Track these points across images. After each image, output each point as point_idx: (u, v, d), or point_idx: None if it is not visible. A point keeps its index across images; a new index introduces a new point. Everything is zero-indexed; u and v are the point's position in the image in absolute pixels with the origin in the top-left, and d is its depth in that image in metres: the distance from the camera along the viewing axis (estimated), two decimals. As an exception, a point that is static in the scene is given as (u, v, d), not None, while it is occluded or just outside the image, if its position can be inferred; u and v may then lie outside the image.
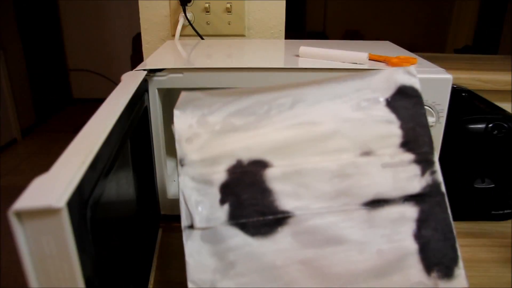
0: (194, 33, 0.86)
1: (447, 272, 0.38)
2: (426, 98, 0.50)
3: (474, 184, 0.59)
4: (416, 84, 0.43)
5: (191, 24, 0.85)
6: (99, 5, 3.43)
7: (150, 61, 0.56)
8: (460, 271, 0.38)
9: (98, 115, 0.35)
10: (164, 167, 0.57)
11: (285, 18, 0.88)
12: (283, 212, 0.39)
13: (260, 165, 0.41)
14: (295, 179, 0.40)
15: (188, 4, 0.84)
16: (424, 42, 3.52)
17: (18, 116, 2.85)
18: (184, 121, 0.42)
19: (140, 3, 0.86)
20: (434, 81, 0.49)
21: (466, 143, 0.57)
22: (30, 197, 0.23)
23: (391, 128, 0.41)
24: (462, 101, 0.65)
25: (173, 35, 0.86)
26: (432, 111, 0.50)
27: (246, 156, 0.41)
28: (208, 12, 0.85)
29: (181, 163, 0.41)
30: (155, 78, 0.52)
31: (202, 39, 0.86)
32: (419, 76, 0.48)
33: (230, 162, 0.41)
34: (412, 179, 0.40)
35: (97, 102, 0.37)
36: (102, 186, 0.31)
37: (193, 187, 0.40)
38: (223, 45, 0.72)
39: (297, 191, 0.40)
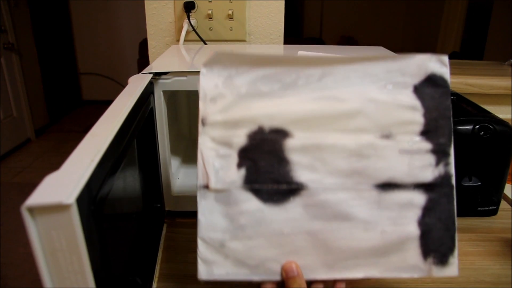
0: (198, 38, 0.85)
1: (442, 260, 0.38)
2: (417, 101, 0.49)
3: (462, 182, 0.59)
4: (446, 75, 0.40)
5: (194, 30, 0.84)
6: (108, 13, 3.43)
7: (156, 65, 0.56)
8: (454, 260, 0.38)
9: (106, 116, 0.35)
10: (168, 165, 0.57)
11: (284, 24, 0.88)
12: (297, 183, 0.38)
13: (281, 134, 0.39)
14: (313, 152, 0.39)
15: (192, 11, 0.84)
16: (415, 48, 3.52)
17: (32, 117, 2.85)
18: (210, 80, 0.40)
19: (146, 10, 0.86)
20: (424, 84, 0.49)
21: (454, 143, 0.57)
22: (41, 193, 0.23)
23: (415, 115, 0.39)
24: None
25: (178, 40, 0.86)
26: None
27: (268, 123, 0.39)
28: (211, 18, 0.85)
29: (202, 122, 0.39)
30: (161, 80, 0.52)
31: (205, 44, 0.86)
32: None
33: (251, 127, 0.39)
34: (426, 168, 0.39)
35: (105, 104, 0.37)
36: (110, 183, 0.31)
37: (212, 148, 0.39)
38: (225, 49, 0.72)
39: (313, 164, 0.38)
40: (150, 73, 0.51)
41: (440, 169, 0.39)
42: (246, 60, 0.40)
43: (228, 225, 0.38)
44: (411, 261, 0.38)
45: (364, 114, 0.39)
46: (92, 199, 0.26)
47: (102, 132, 0.31)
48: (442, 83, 0.40)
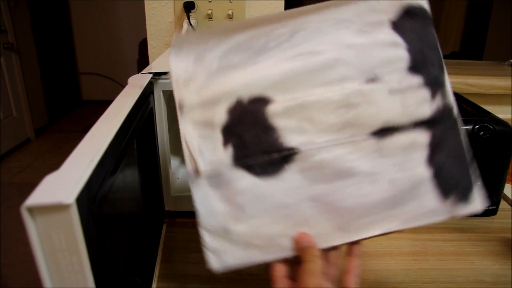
0: (197, 38, 0.85)
1: (464, 196, 0.35)
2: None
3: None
4: (425, 5, 0.37)
5: (194, 30, 0.84)
6: (108, 13, 3.43)
7: (156, 65, 0.56)
8: (477, 195, 0.35)
9: (106, 116, 0.35)
10: (168, 165, 0.57)
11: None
12: (289, 149, 0.36)
13: (260, 102, 0.36)
14: (298, 113, 0.36)
15: (192, 11, 0.84)
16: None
17: (32, 117, 2.84)
18: (180, 63, 0.38)
19: (146, 10, 0.86)
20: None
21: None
22: (41, 193, 0.23)
23: (398, 52, 0.37)
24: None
25: (178, 41, 0.86)
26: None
27: (246, 94, 0.36)
28: (211, 18, 0.85)
29: (180, 109, 0.37)
30: (160, 80, 0.52)
31: (205, 44, 0.86)
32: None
33: (230, 101, 0.36)
34: (422, 104, 0.36)
35: (105, 104, 0.37)
36: (110, 183, 0.31)
37: (195, 131, 0.37)
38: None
39: (301, 126, 0.36)
40: (150, 73, 0.51)
41: (438, 102, 0.36)
42: (213, 34, 0.38)
43: (227, 209, 0.36)
44: (429, 205, 0.35)
45: (343, 62, 0.37)
46: (92, 199, 0.26)
47: (102, 132, 0.31)
48: (422, 14, 0.38)
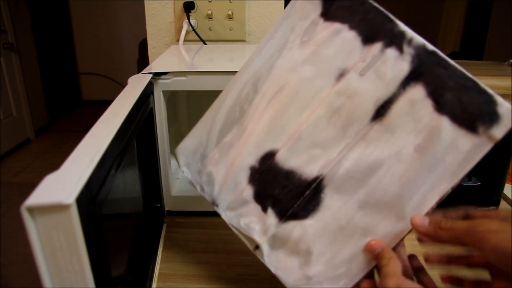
0: (198, 38, 0.85)
1: (491, 117, 0.32)
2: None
3: (461, 182, 0.59)
4: None
5: (194, 30, 0.84)
6: (108, 13, 3.42)
7: (156, 65, 0.56)
8: (503, 108, 0.32)
9: (106, 116, 0.35)
10: (168, 165, 0.57)
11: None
12: (314, 179, 0.38)
13: (268, 157, 0.39)
14: (302, 146, 0.38)
15: (192, 11, 0.84)
16: (414, 48, 3.52)
17: (32, 117, 2.84)
18: (193, 174, 0.44)
19: (146, 10, 0.86)
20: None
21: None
22: (41, 193, 0.23)
23: (344, 35, 0.37)
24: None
25: (178, 40, 0.86)
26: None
27: (253, 159, 0.40)
28: (211, 18, 0.85)
29: (215, 205, 0.42)
30: (160, 81, 0.52)
31: (205, 44, 0.86)
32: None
33: (246, 174, 0.41)
34: (395, 63, 0.35)
35: (105, 104, 0.37)
36: (110, 183, 0.31)
37: (236, 215, 0.41)
38: (224, 49, 0.72)
39: (311, 154, 0.38)
40: (150, 73, 0.51)
41: (409, 51, 0.35)
42: (199, 131, 0.44)
43: (298, 259, 0.38)
44: (465, 148, 0.33)
45: (307, 79, 0.38)
46: (92, 199, 0.26)
47: (102, 132, 0.31)
48: None
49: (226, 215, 0.41)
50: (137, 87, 0.44)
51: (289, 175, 0.39)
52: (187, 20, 0.83)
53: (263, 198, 0.40)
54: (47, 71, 3.07)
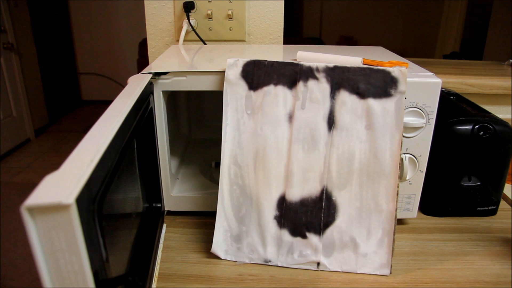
0: (197, 38, 0.85)
1: (393, 81, 0.46)
2: (417, 100, 0.49)
3: (461, 182, 0.59)
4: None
5: (194, 30, 0.84)
6: (108, 13, 3.43)
7: (155, 65, 0.56)
8: (395, 72, 0.47)
9: (106, 116, 0.35)
10: (168, 165, 0.57)
11: (284, 24, 0.88)
12: (321, 192, 0.48)
13: (281, 201, 0.48)
14: (297, 178, 0.48)
15: (192, 11, 0.84)
16: (414, 48, 3.52)
17: (32, 117, 2.84)
18: (235, 254, 0.50)
19: (146, 10, 0.86)
20: (424, 84, 0.49)
21: (454, 143, 0.57)
22: (41, 193, 0.23)
23: (275, 92, 0.47)
24: (451, 104, 0.64)
25: (177, 40, 0.86)
26: (423, 113, 0.50)
27: (272, 211, 0.49)
28: (211, 18, 0.85)
29: (267, 262, 0.49)
30: (160, 80, 0.52)
31: (205, 44, 0.86)
32: (411, 80, 0.48)
33: (274, 224, 0.49)
34: (319, 87, 0.47)
35: (105, 104, 0.37)
36: (109, 183, 0.31)
37: (288, 256, 0.49)
38: (224, 49, 0.72)
39: (307, 178, 0.48)
40: (149, 73, 0.51)
41: (321, 75, 0.47)
42: (220, 223, 0.50)
43: (351, 248, 0.48)
44: (391, 107, 0.46)
45: (268, 136, 0.48)
46: (91, 199, 0.26)
47: (102, 132, 0.31)
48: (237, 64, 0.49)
49: (281, 263, 0.48)
50: (137, 87, 0.44)
51: (303, 202, 0.48)
52: (187, 20, 0.83)
53: (297, 230, 0.48)
54: (47, 71, 3.07)
